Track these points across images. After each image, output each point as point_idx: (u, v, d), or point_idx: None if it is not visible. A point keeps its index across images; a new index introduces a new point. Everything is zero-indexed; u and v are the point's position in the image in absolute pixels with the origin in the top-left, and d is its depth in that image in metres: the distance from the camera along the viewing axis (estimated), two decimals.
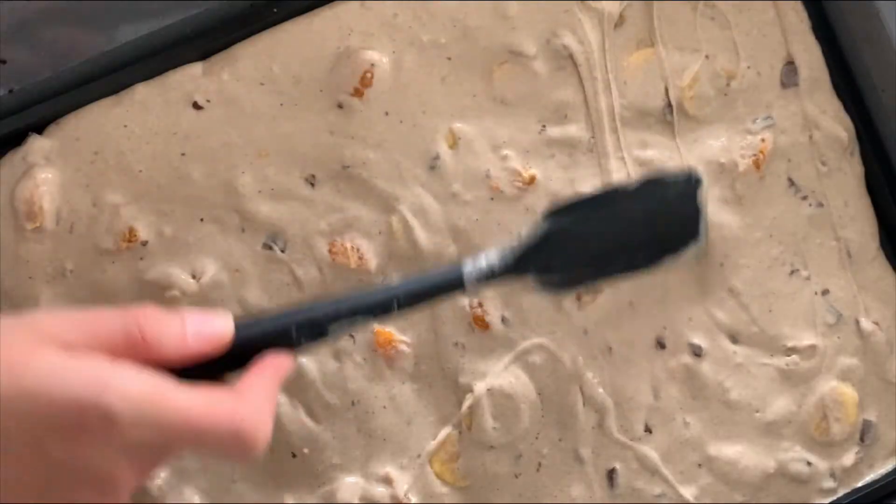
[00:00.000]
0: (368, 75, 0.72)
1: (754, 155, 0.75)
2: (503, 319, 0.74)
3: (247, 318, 0.60)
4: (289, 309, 0.61)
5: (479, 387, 0.74)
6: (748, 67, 0.75)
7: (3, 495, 0.50)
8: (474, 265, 0.64)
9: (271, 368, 0.57)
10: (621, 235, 0.67)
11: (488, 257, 0.65)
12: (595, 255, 0.66)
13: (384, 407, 0.74)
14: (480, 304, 0.74)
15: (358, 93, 0.72)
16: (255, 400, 0.54)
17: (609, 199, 0.68)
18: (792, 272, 0.76)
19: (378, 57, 0.72)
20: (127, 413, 0.50)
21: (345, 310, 0.61)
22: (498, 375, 0.74)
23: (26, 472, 0.50)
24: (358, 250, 0.73)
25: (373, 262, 0.73)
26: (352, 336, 0.74)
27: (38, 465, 0.50)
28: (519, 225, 0.74)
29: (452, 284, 0.64)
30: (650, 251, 0.66)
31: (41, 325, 0.52)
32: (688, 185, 0.67)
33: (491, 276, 0.65)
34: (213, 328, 0.56)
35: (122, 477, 0.52)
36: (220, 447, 0.52)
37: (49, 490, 0.51)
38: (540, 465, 0.75)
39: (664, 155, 0.75)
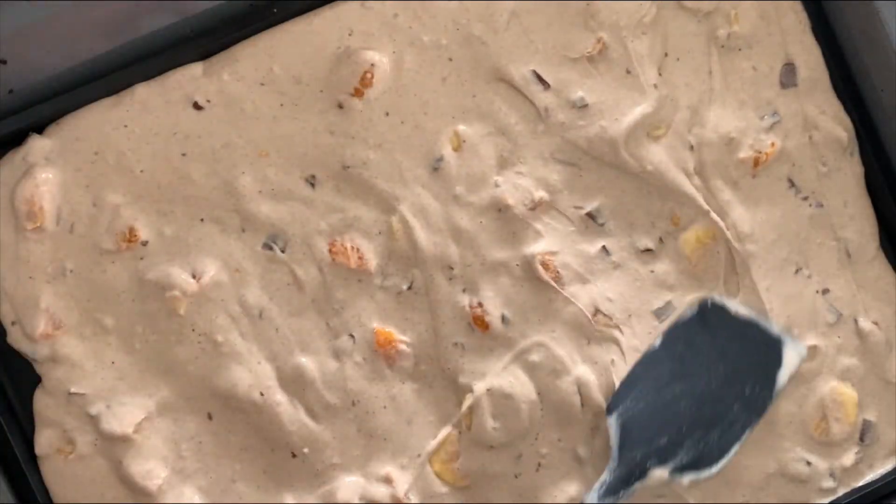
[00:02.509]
0: (368, 75, 0.72)
1: (758, 153, 0.75)
2: (503, 319, 0.74)
3: None
4: None
5: (479, 387, 0.74)
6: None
7: None
8: (593, 491, 0.67)
9: None
10: (699, 384, 0.67)
11: (601, 478, 0.67)
12: (699, 416, 0.67)
13: (384, 407, 0.75)
14: (480, 304, 0.74)
15: (358, 93, 0.72)
16: None
17: (648, 365, 0.69)
18: (796, 271, 0.76)
19: (378, 57, 0.72)
20: None
21: None
22: (498, 375, 0.74)
23: None
24: (358, 250, 0.73)
25: (373, 262, 0.73)
26: (352, 336, 0.74)
27: None
28: (522, 227, 0.74)
29: None
30: (756, 381, 0.67)
31: None
32: (711, 312, 0.68)
33: (614, 491, 0.66)
34: None
35: None
36: None
37: None
38: (539, 465, 0.75)
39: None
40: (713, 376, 0.68)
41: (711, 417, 0.68)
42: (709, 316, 0.69)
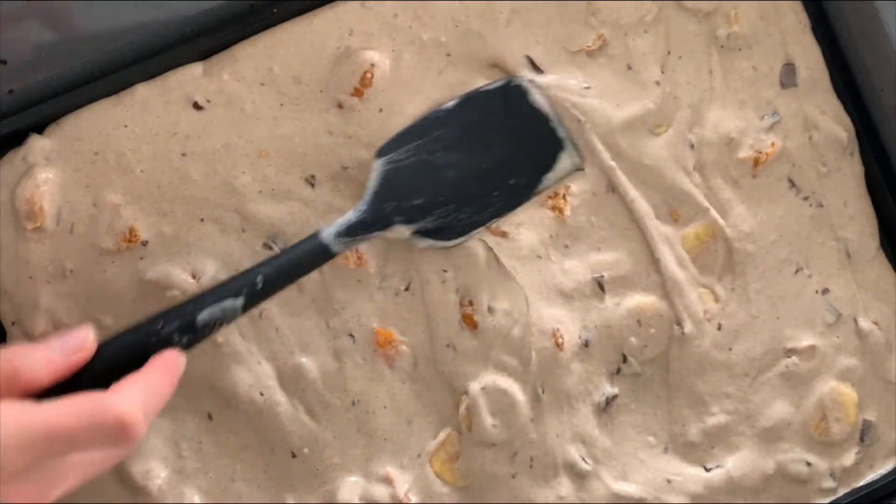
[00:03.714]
0: (368, 75, 0.72)
1: (758, 153, 0.75)
2: (489, 309, 0.74)
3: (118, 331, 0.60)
4: (160, 311, 0.62)
5: (474, 387, 0.74)
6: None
7: None
8: (331, 226, 0.64)
9: (151, 366, 0.59)
10: (474, 159, 0.65)
11: (345, 215, 0.65)
12: (460, 189, 0.65)
13: (384, 407, 0.74)
14: (471, 303, 0.73)
15: (358, 93, 0.72)
16: (123, 392, 0.56)
17: (435, 124, 0.67)
18: (797, 271, 0.76)
19: (378, 57, 0.72)
20: None
21: (210, 296, 0.61)
22: (489, 371, 0.74)
23: None
24: (357, 251, 0.73)
25: (372, 263, 0.73)
26: (351, 335, 0.74)
27: None
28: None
29: (317, 250, 0.64)
30: (523, 174, 0.65)
31: None
32: (512, 92, 0.65)
33: (353, 232, 0.64)
34: (73, 338, 0.58)
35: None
36: (92, 441, 0.54)
37: None
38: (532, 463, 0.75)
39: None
40: (489, 156, 0.66)
41: (470, 195, 0.66)
42: (510, 95, 0.66)
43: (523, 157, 0.66)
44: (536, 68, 0.73)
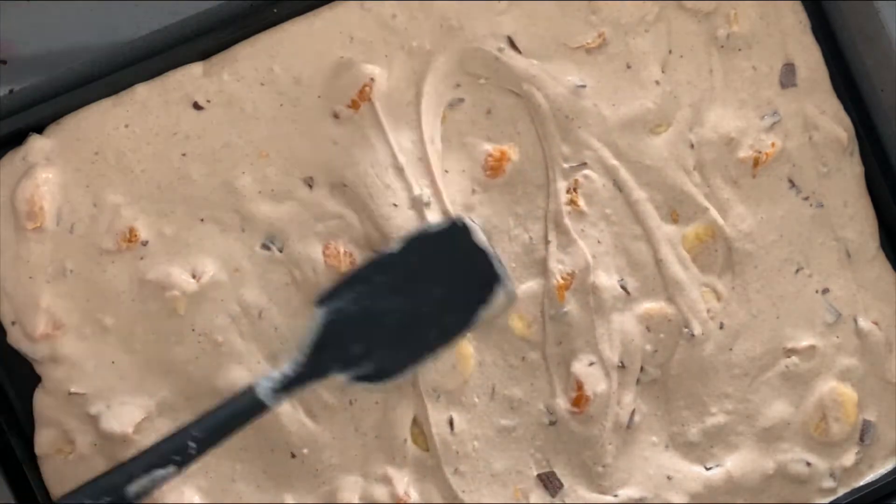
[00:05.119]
0: (367, 89, 0.72)
1: (758, 153, 0.75)
2: None
3: None
4: (85, 483, 0.60)
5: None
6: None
7: None
8: (267, 380, 0.63)
9: None
10: (415, 303, 0.65)
11: (281, 368, 0.64)
12: (399, 332, 0.65)
13: (376, 403, 0.74)
14: None
15: (355, 105, 0.72)
16: None
17: (379, 269, 0.66)
18: (797, 271, 0.76)
19: (378, 71, 0.72)
20: None
21: (139, 465, 0.60)
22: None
23: None
24: (351, 255, 0.73)
25: None
26: None
27: None
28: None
29: (252, 406, 0.63)
30: (459, 311, 0.65)
31: None
32: (457, 232, 0.65)
33: (288, 385, 0.63)
34: None
35: None
36: None
37: None
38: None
39: None
40: (430, 298, 0.65)
41: (407, 338, 0.65)
42: (454, 234, 0.66)
43: (462, 295, 0.66)
44: (515, 48, 0.73)
